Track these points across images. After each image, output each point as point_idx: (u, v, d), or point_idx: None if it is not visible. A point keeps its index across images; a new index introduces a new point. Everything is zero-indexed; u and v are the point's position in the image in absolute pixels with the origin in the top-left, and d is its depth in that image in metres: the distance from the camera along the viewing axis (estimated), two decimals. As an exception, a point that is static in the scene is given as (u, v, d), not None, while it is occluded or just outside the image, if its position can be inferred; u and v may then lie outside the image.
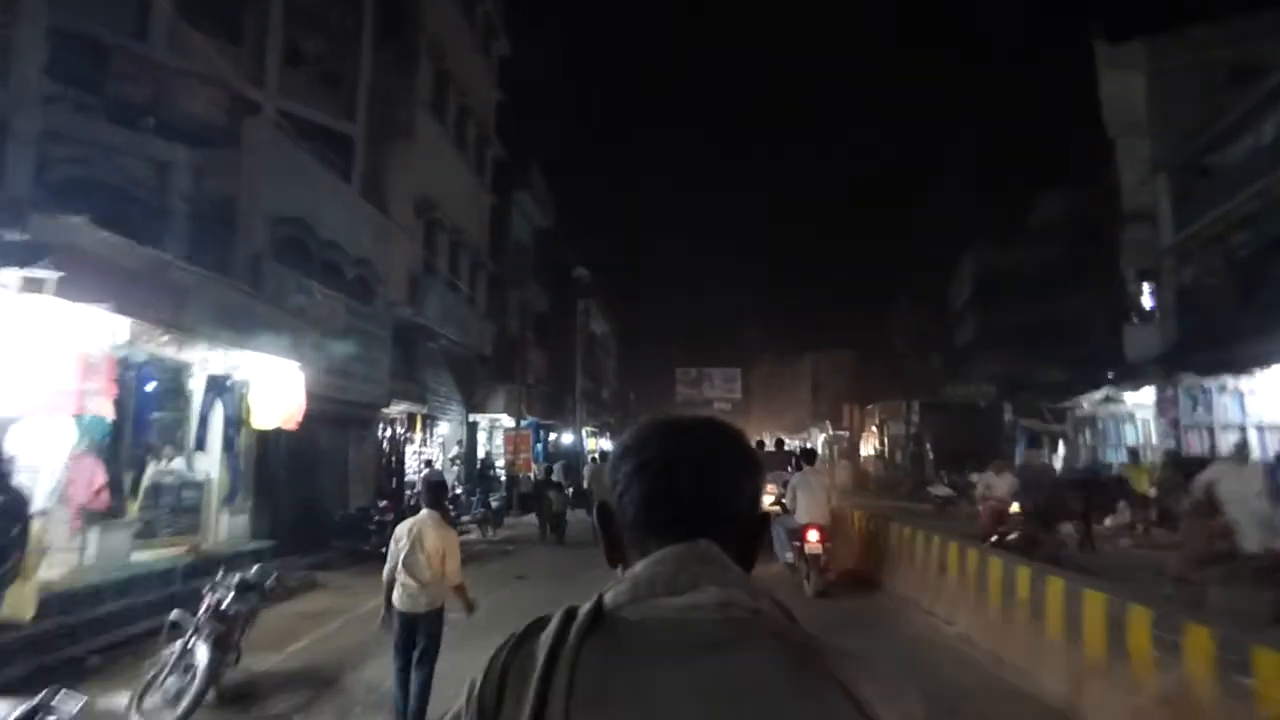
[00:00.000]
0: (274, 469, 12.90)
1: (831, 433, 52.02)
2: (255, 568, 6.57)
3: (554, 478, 18.90)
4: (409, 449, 18.40)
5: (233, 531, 10.89)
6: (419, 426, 18.76)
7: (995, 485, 12.11)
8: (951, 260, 41.64)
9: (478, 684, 0.88)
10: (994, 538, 10.62)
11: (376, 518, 13.45)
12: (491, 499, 18.44)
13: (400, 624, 5.28)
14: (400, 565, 5.24)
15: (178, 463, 10.13)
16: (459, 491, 18.91)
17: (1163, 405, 19.66)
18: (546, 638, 0.85)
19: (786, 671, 0.79)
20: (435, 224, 19.09)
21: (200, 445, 10.27)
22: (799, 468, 11.07)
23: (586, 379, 42.87)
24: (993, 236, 39.23)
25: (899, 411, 35.57)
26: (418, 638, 5.27)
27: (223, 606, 5.81)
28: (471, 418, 23.35)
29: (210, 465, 10.51)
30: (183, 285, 8.83)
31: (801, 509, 10.08)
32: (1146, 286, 26.11)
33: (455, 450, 21.78)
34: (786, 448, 21.30)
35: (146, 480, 9.19)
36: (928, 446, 33.73)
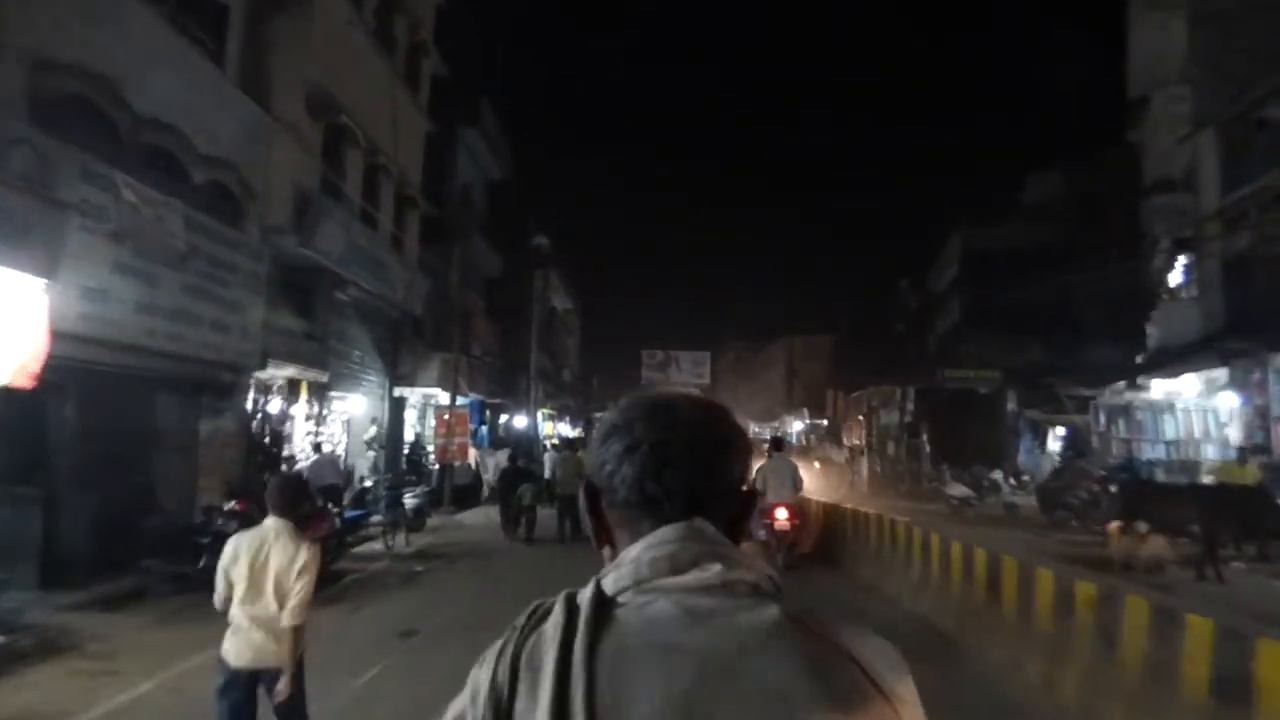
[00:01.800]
0: (48, 452, 8.54)
1: (809, 421, 48.51)
2: None
3: (520, 464, 16.72)
4: (297, 428, 14.00)
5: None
6: (313, 399, 14.34)
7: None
8: (934, 242, 38.42)
9: (486, 679, 0.85)
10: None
11: (215, 526, 9.11)
12: (407, 495, 14.16)
13: (231, 688, 3.73)
14: (235, 598, 3.77)
15: None
16: (367, 484, 14.59)
17: (1246, 390, 16.05)
18: (554, 628, 0.83)
19: (798, 645, 0.80)
20: (341, 133, 14.63)
21: None
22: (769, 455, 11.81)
23: (545, 357, 38.56)
24: (983, 216, 35.74)
25: (892, 397, 31.88)
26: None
27: None
28: (397, 391, 18.97)
29: None
30: None
31: (772, 491, 10.80)
32: (1182, 259, 22.68)
33: (372, 431, 17.40)
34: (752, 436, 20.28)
35: None
36: (924, 438, 30.10)
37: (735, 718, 0.77)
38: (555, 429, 40.96)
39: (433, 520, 16.45)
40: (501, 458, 19.20)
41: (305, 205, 12.87)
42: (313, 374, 14.04)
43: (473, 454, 22.46)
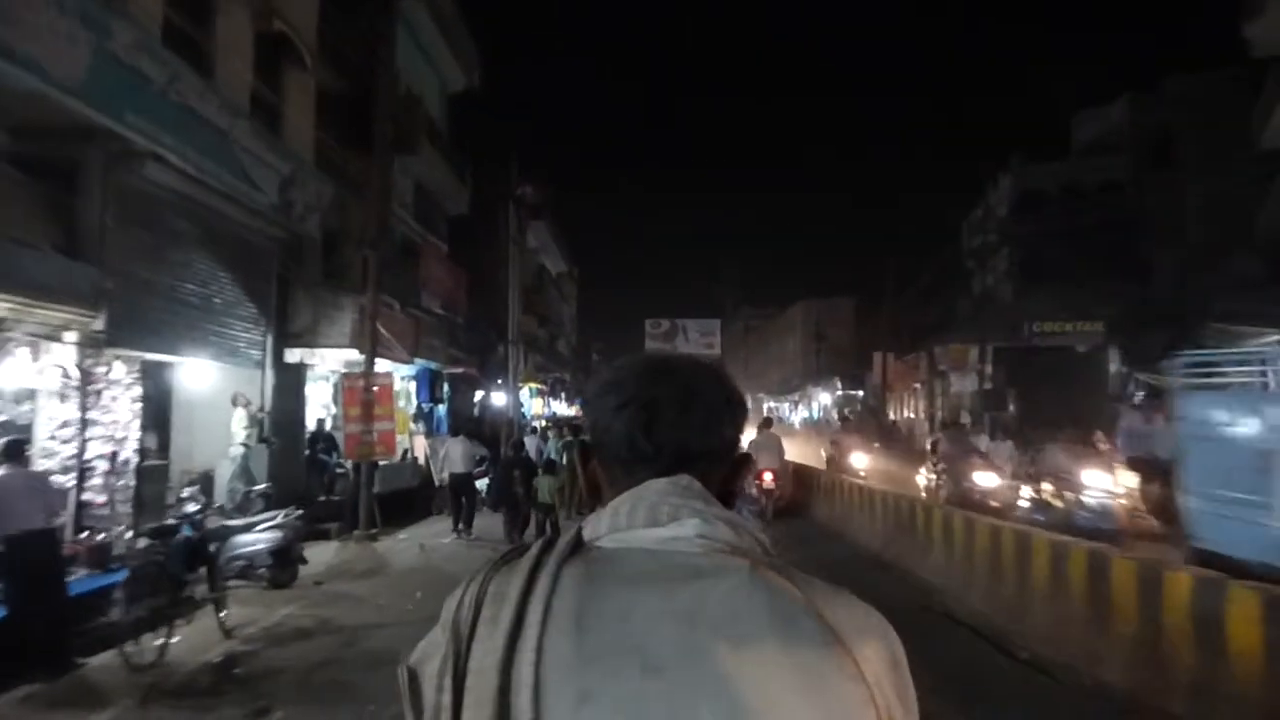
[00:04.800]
0: None
1: (841, 392, 42.09)
2: None
3: (525, 453, 13.16)
4: (40, 411, 7.58)
5: None
6: (91, 361, 7.94)
7: None
8: (970, 187, 32.43)
9: (452, 609, 0.85)
10: None
11: None
12: (259, 530, 7.88)
13: None
14: None
15: None
16: (189, 509, 8.18)
17: None
18: (526, 562, 0.83)
19: (764, 601, 0.79)
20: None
21: None
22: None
23: (532, 321, 32.14)
24: (1036, 153, 29.86)
25: (965, 359, 25.43)
26: None
27: None
28: (290, 355, 12.59)
29: None
30: None
31: (761, 460, 12.91)
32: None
33: (240, 418, 11.04)
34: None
35: None
36: (1011, 409, 23.73)
37: (682, 649, 0.76)
38: (547, 407, 34.61)
39: (327, 556, 10.15)
40: (455, 449, 12.96)
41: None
42: (67, 315, 7.64)
43: (421, 444, 16.12)
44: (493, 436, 19.48)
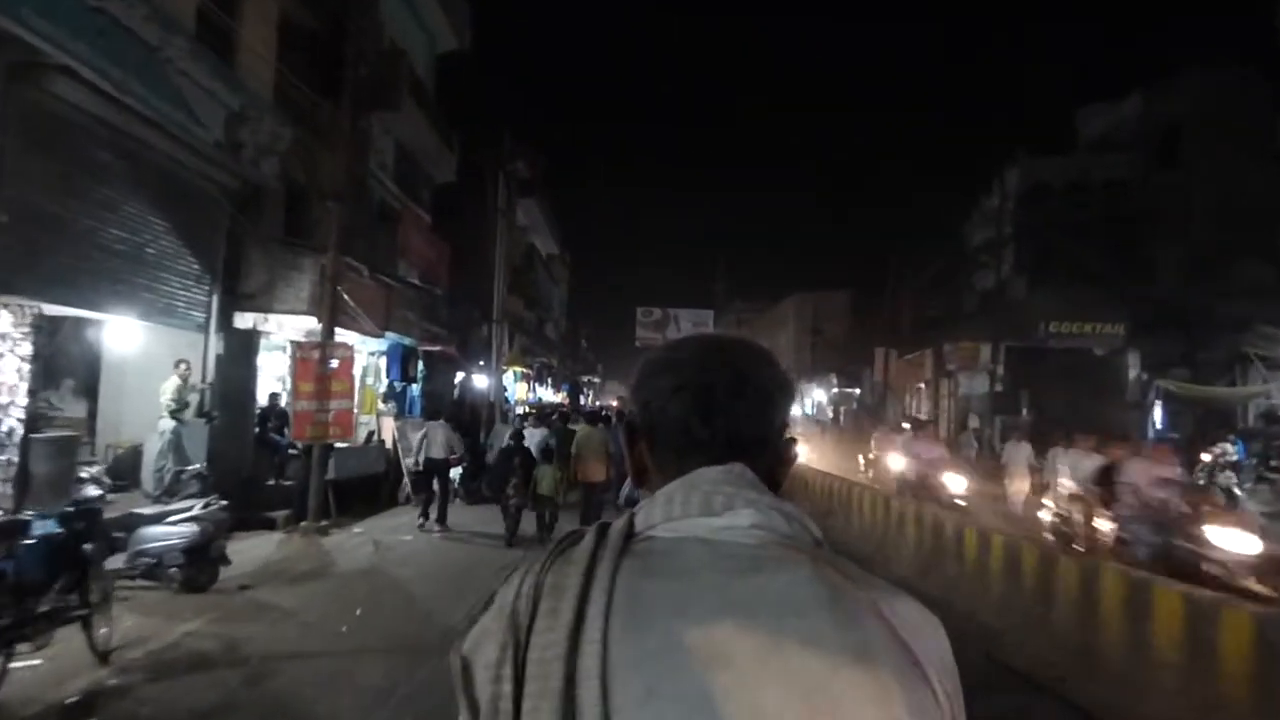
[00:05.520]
0: None
1: (837, 389, 40.79)
2: None
3: (525, 442, 11.52)
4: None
5: None
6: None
7: None
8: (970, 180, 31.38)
9: (510, 599, 0.82)
10: None
11: None
12: (172, 522, 6.50)
13: None
14: None
15: None
16: (89, 491, 6.73)
17: None
18: (582, 554, 0.82)
19: (825, 595, 0.78)
20: None
21: None
22: None
23: (520, 302, 30.64)
24: (1042, 148, 28.97)
25: (974, 358, 24.15)
26: None
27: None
28: (241, 319, 11.12)
29: None
30: None
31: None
32: None
33: (169, 391, 9.56)
34: None
35: None
36: (1025, 412, 22.47)
37: (743, 643, 0.75)
38: (532, 392, 33.18)
39: (266, 550, 8.74)
40: (437, 434, 11.59)
41: None
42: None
43: (390, 427, 14.67)
44: (473, 422, 18.06)
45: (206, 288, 10.31)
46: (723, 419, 0.89)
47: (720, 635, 0.74)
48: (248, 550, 9.09)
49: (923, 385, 28.53)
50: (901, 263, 32.79)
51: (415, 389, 16.52)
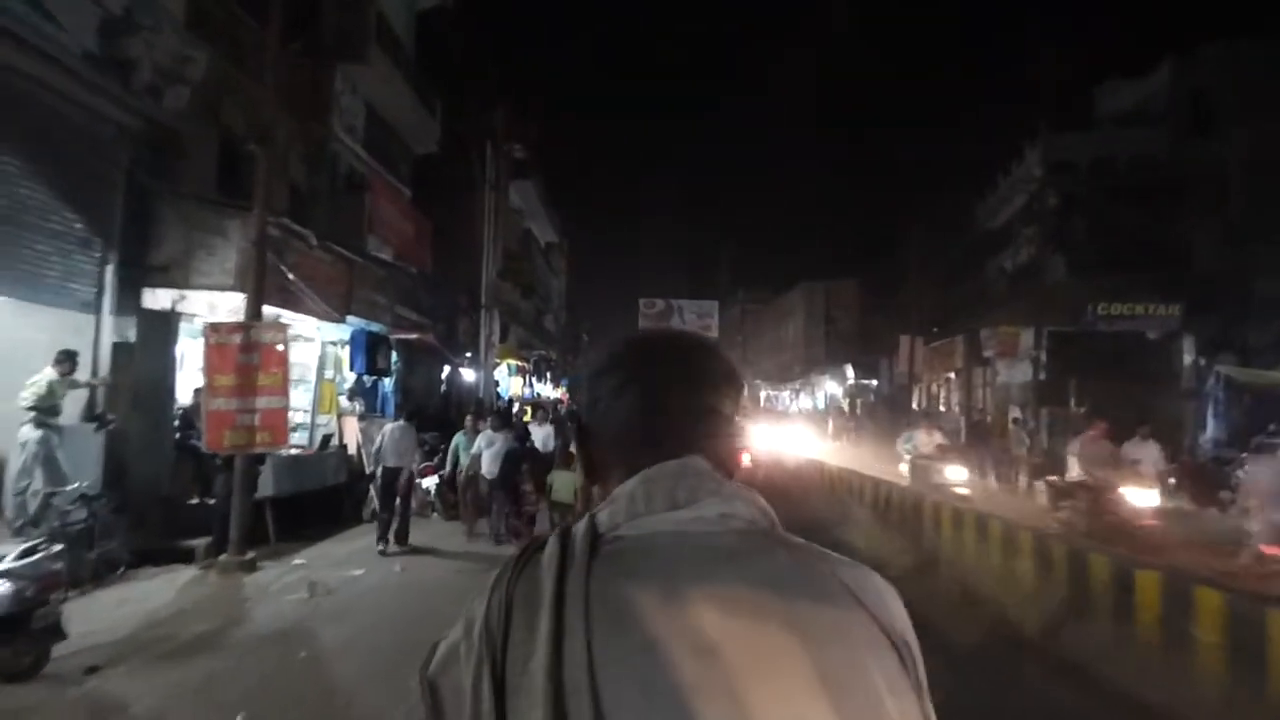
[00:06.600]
0: None
1: (854, 381, 38.46)
2: None
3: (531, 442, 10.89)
4: None
5: None
6: None
7: None
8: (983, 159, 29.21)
9: (480, 614, 0.81)
10: None
11: None
12: None
13: None
14: None
15: None
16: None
17: None
18: (550, 560, 0.80)
19: (801, 577, 0.79)
20: None
21: None
22: None
23: (516, 291, 28.34)
24: (1064, 125, 26.85)
25: (1013, 343, 21.89)
26: None
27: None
28: (152, 297, 8.85)
29: None
30: None
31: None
32: None
33: (37, 386, 7.28)
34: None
35: None
36: (1072, 403, 20.21)
37: (728, 630, 0.75)
38: (529, 387, 30.93)
39: (164, 597, 6.52)
40: (397, 436, 9.39)
41: None
42: None
43: (353, 428, 12.42)
44: (460, 421, 15.78)
45: (96, 255, 8.04)
46: (675, 412, 0.89)
47: (707, 625, 0.74)
48: (141, 597, 6.88)
49: (952, 375, 26.21)
50: (919, 247, 30.64)
51: (388, 384, 14.25)
